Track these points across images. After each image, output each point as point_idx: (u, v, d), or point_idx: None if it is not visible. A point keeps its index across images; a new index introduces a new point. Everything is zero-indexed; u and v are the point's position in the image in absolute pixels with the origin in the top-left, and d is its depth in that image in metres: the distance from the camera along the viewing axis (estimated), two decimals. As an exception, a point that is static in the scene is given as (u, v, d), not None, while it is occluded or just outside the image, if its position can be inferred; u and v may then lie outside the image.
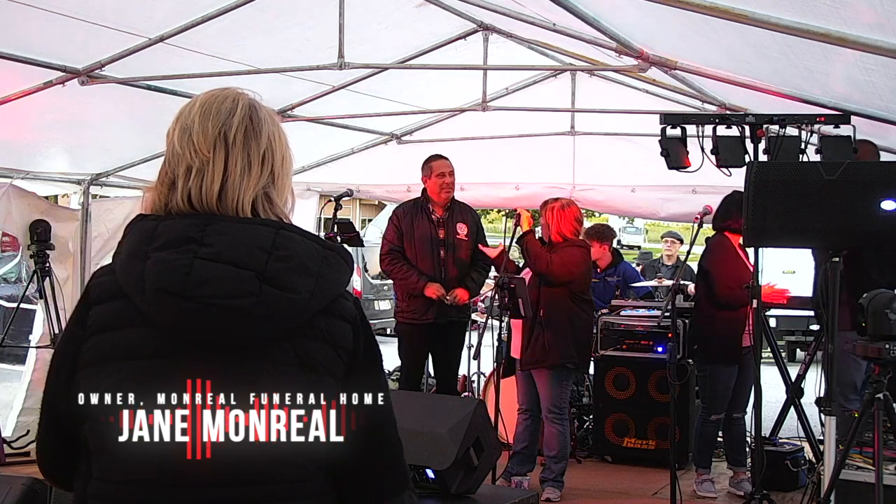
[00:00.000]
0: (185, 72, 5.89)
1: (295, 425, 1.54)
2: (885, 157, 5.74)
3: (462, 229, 6.42)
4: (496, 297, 5.90)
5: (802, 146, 4.96)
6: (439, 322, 6.26)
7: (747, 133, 5.00)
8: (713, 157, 5.13)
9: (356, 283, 15.60)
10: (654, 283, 8.54)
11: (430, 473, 4.60)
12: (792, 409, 6.21)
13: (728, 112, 5.83)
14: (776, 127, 4.94)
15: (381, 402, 1.63)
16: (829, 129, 4.97)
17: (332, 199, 6.35)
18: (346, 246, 6.56)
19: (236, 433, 1.52)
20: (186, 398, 1.51)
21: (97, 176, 7.55)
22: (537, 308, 5.83)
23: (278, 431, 1.53)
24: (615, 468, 6.72)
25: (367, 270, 15.89)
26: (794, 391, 6.17)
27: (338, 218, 6.32)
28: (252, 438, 1.52)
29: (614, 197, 8.22)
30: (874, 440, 3.74)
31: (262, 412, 1.53)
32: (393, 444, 1.67)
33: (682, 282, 6.05)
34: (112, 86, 5.90)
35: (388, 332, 16.05)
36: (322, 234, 7.64)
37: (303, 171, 8.82)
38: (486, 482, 4.95)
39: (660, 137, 5.39)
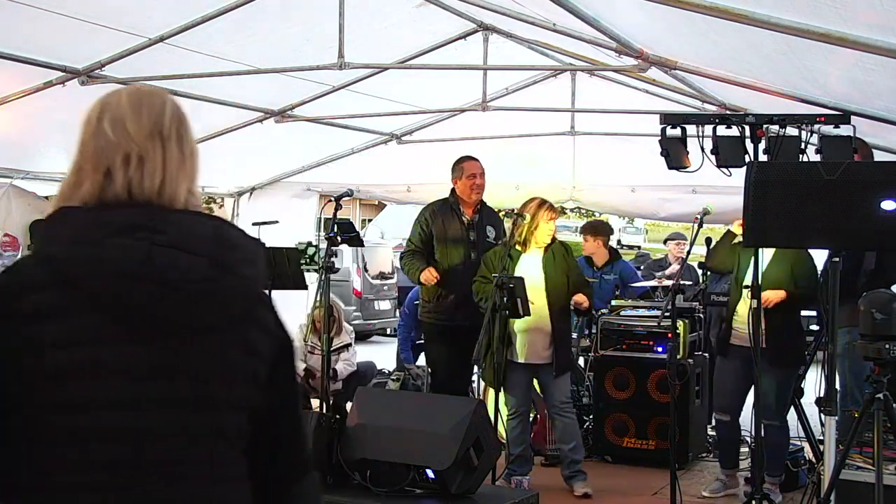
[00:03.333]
0: (185, 72, 5.90)
1: (236, 404, 1.63)
2: (885, 157, 5.75)
3: (491, 232, 6.45)
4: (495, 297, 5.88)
5: (802, 146, 4.95)
6: (465, 325, 6.15)
7: (747, 133, 4.99)
8: (713, 157, 5.13)
9: (356, 283, 15.58)
10: (653, 283, 8.52)
11: (430, 473, 4.60)
12: (792, 408, 6.20)
13: (728, 112, 5.83)
14: (776, 127, 4.94)
15: (295, 382, 1.80)
16: (829, 129, 4.97)
17: (332, 199, 6.34)
18: (349, 244, 6.61)
19: (181, 410, 1.56)
20: (141, 384, 1.53)
21: (97, 176, 7.54)
22: (565, 314, 6.02)
23: (222, 411, 1.61)
24: (615, 468, 6.71)
25: (367, 270, 15.87)
26: (795, 391, 6.16)
27: (338, 218, 6.30)
28: (200, 417, 1.58)
29: (614, 197, 8.23)
30: (874, 440, 3.75)
31: (212, 392, 1.59)
32: (301, 426, 1.80)
33: (682, 282, 6.05)
34: (112, 86, 5.90)
35: (388, 332, 16.05)
36: (322, 234, 7.65)
37: (303, 171, 8.83)
38: (486, 482, 4.95)
39: (660, 137, 5.39)
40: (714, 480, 6.14)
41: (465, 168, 6.38)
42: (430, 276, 6.21)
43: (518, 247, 6.00)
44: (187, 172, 1.65)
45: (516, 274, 5.86)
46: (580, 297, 6.01)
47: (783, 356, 5.52)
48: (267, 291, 1.77)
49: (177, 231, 1.57)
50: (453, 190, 6.44)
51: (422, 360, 7.76)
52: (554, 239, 6.07)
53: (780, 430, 5.71)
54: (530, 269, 5.97)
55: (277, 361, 1.69)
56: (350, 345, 7.91)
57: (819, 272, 5.56)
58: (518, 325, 5.93)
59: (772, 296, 5.55)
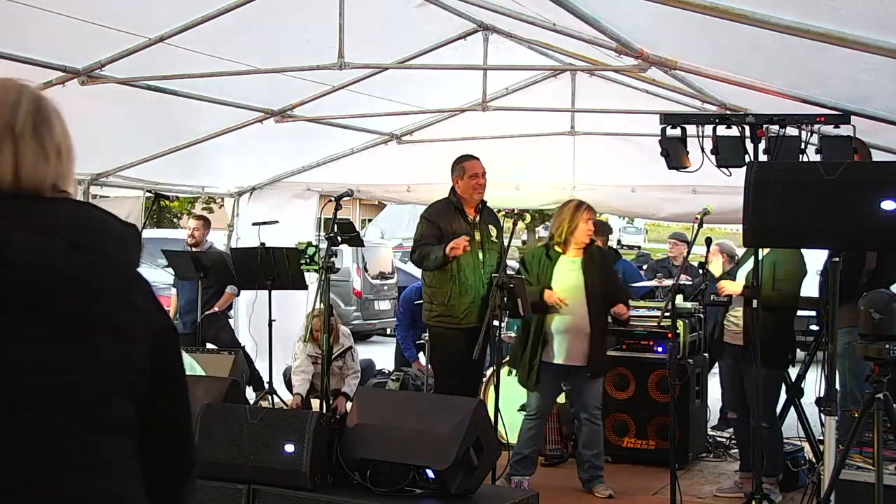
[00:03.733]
0: (185, 72, 5.90)
1: (113, 390, 1.57)
2: (885, 157, 5.75)
3: (493, 231, 6.40)
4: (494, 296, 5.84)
5: (802, 146, 4.96)
6: (478, 326, 5.96)
7: (747, 133, 5.00)
8: (713, 157, 5.13)
9: (356, 283, 15.57)
10: (654, 283, 8.53)
11: (430, 473, 4.60)
12: (792, 409, 6.20)
13: (728, 112, 5.83)
14: (776, 127, 4.94)
15: (182, 372, 1.73)
16: (829, 129, 4.97)
17: (332, 199, 6.33)
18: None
19: (54, 402, 1.50)
20: (7, 376, 1.48)
21: (97, 176, 7.56)
22: (604, 316, 6.02)
23: (98, 399, 1.55)
24: (615, 468, 6.70)
25: (367, 270, 15.85)
26: (795, 391, 6.16)
27: (338, 218, 6.30)
28: (75, 407, 1.52)
29: (614, 197, 8.23)
30: (874, 440, 3.75)
31: (84, 378, 1.53)
32: (190, 420, 1.77)
33: (681, 282, 6.05)
34: (112, 86, 5.91)
35: (388, 332, 16.03)
36: (322, 234, 7.64)
37: (303, 171, 8.84)
38: (486, 482, 4.95)
39: (660, 137, 5.39)
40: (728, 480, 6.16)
41: (468, 167, 6.30)
42: (461, 241, 6.00)
43: (557, 248, 6.01)
44: (52, 167, 1.60)
45: (555, 275, 5.91)
46: (621, 308, 6.04)
47: (765, 357, 5.44)
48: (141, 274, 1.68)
49: (32, 216, 1.54)
50: (453, 189, 6.36)
51: (422, 358, 7.76)
52: (592, 241, 6.06)
53: (769, 430, 5.67)
54: (570, 270, 5.97)
55: (160, 346, 1.64)
56: (351, 348, 7.89)
57: (815, 273, 5.58)
58: (556, 325, 5.92)
59: (728, 286, 5.72)
